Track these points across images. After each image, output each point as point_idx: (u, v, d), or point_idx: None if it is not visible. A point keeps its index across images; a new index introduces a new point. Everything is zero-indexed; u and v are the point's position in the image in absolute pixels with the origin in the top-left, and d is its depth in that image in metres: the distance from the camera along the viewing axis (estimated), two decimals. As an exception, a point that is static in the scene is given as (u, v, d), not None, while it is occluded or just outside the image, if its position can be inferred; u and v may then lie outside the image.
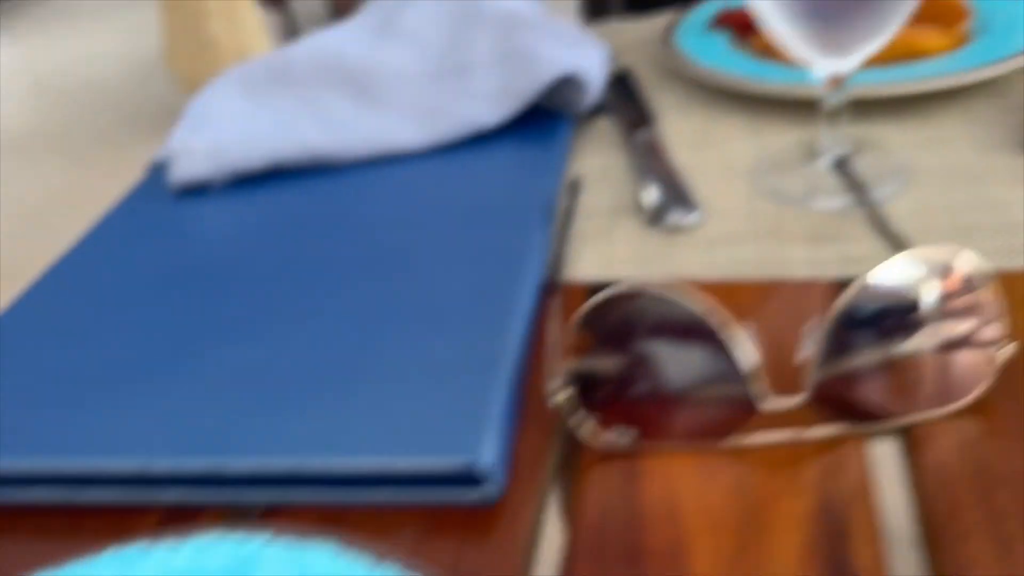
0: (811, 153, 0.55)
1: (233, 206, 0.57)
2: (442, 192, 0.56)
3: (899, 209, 0.50)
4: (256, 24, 2.79)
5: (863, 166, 0.53)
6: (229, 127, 0.61)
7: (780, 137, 0.59)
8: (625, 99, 0.67)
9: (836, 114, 0.52)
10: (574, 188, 0.55)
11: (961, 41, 0.63)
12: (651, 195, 0.53)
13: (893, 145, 0.57)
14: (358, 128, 0.60)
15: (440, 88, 0.61)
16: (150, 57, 3.68)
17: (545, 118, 0.62)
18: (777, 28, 0.48)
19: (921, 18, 0.64)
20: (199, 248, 0.52)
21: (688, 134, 0.62)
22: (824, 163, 0.53)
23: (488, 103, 0.60)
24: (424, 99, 0.61)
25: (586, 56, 0.61)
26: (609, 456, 0.36)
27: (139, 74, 3.71)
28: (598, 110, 0.65)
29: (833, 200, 0.51)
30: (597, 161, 0.60)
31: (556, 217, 0.53)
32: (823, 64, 0.50)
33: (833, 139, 0.53)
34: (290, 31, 3.44)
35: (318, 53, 0.63)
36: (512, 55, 0.61)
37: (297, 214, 0.55)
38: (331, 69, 0.63)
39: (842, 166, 0.52)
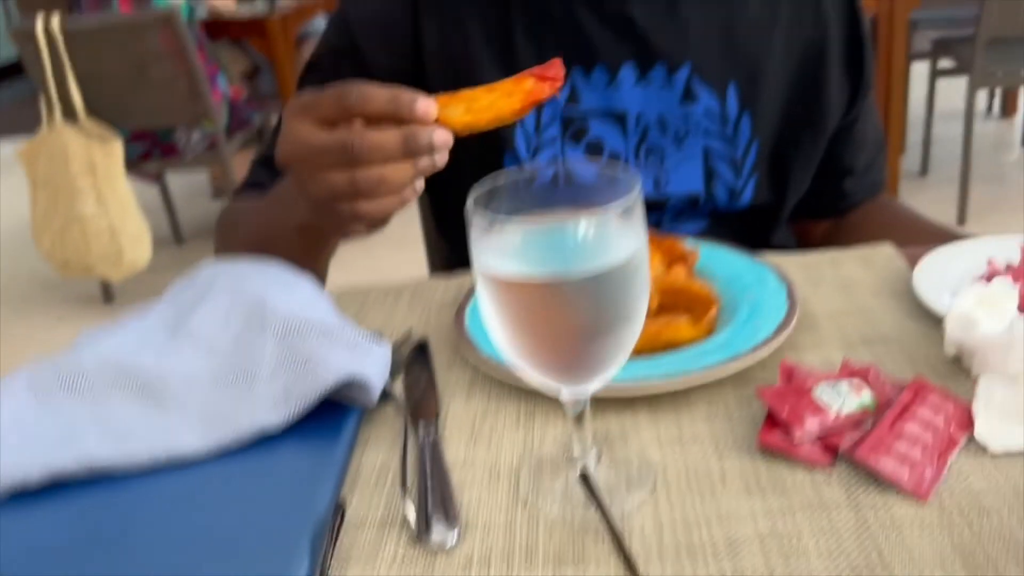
0: (569, 457, 0.59)
1: (7, 516, 0.57)
2: (218, 507, 0.57)
3: (641, 523, 0.54)
4: (128, 202, 2.79)
5: (610, 475, 0.58)
6: (8, 437, 0.61)
7: (549, 429, 0.64)
8: (416, 381, 0.71)
9: (582, 419, 0.57)
10: (341, 510, 0.57)
11: (711, 329, 0.70)
12: (413, 514, 0.55)
13: (646, 441, 0.61)
14: (144, 437, 0.61)
15: (227, 393, 0.63)
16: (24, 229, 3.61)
17: (333, 410, 0.65)
18: (519, 368, 0.53)
19: (673, 308, 0.71)
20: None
21: (467, 424, 0.65)
22: (575, 474, 0.57)
23: (272, 407, 0.63)
24: (211, 405, 0.63)
25: (368, 357, 0.65)
26: None
27: (13, 245, 3.62)
28: (386, 397, 0.68)
29: (579, 514, 0.55)
30: (378, 458, 0.63)
31: (324, 537, 0.54)
32: (565, 391, 0.54)
33: (582, 446, 0.58)
34: (167, 207, 3.45)
35: (110, 357, 0.65)
36: (295, 360, 0.64)
37: (70, 531, 0.55)
38: (121, 374, 0.64)
39: (586, 480, 0.56)
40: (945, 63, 3.15)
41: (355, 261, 2.53)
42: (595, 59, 0.88)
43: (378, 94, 0.61)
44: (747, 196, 0.93)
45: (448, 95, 0.63)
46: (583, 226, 0.48)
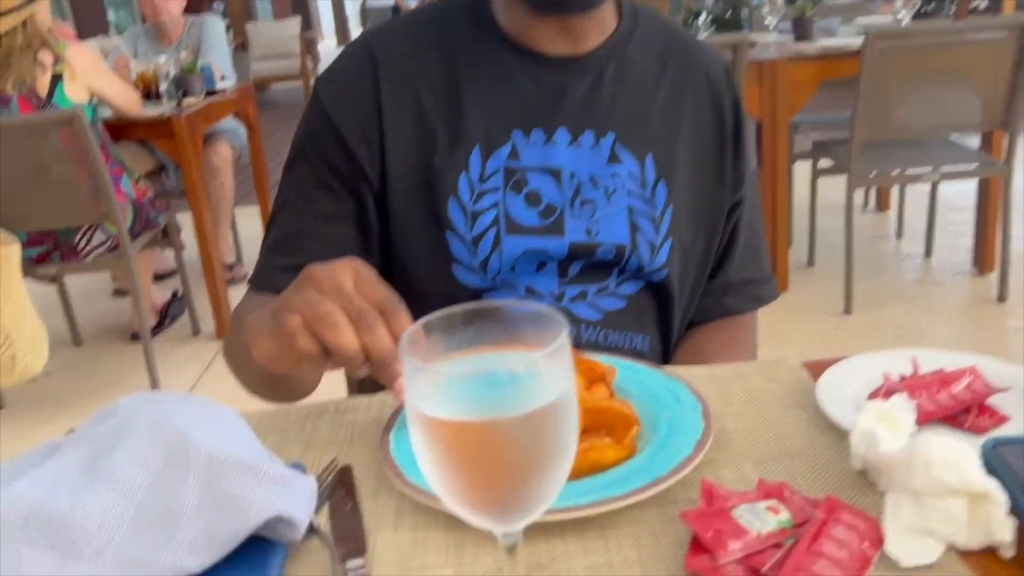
0: (501, 590, 0.60)
1: None
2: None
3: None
4: (24, 307, 2.68)
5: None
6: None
7: (480, 559, 0.64)
8: (341, 511, 0.70)
9: (514, 551, 0.57)
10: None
11: (632, 448, 0.72)
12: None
13: (577, 568, 0.62)
14: (55, 588, 0.58)
15: (145, 537, 0.61)
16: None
17: (257, 547, 0.64)
18: (453, 509, 0.54)
19: (596, 428, 0.73)
20: None
21: (395, 559, 0.65)
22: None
23: (195, 549, 0.61)
24: (129, 550, 0.61)
25: (293, 492, 0.64)
26: None
27: None
28: (311, 530, 0.67)
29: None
30: (306, 599, 0.61)
31: None
32: (498, 527, 0.55)
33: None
34: (64, 308, 3.32)
35: (19, 503, 0.62)
36: (219, 499, 0.62)
37: None
38: (33, 522, 0.61)
39: (522, 615, 0.56)
40: (825, 162, 3.38)
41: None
42: (534, 123, 0.99)
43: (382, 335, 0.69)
44: (663, 256, 1.02)
45: None
46: (517, 365, 0.49)
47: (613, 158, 1.01)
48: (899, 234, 3.80)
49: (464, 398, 0.50)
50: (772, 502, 0.64)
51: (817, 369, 0.87)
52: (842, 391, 0.79)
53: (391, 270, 1.03)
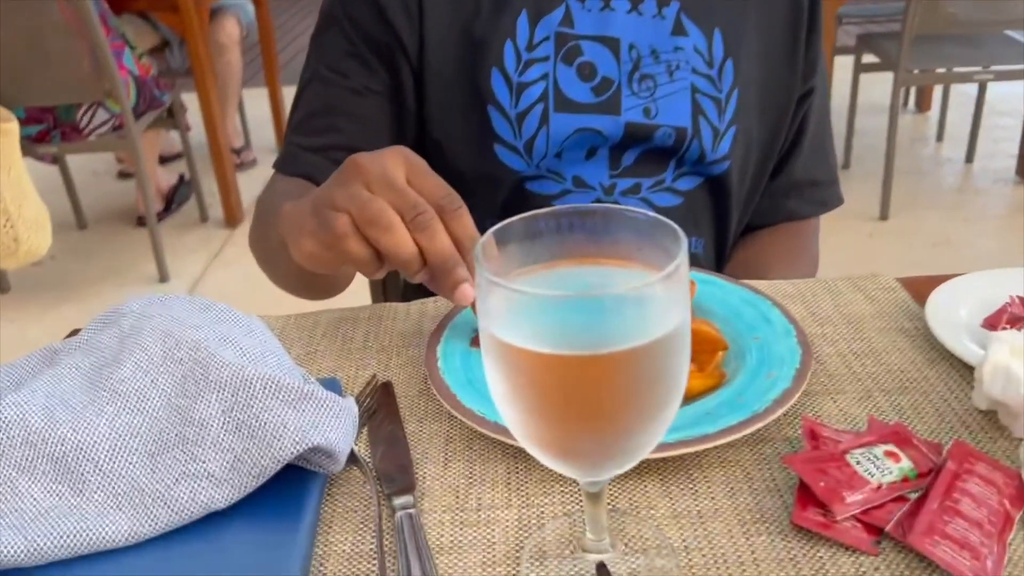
0: (578, 543, 0.51)
1: None
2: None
3: (667, 626, 0.46)
4: (25, 186, 2.56)
5: (628, 564, 0.50)
6: None
7: (548, 500, 0.55)
8: (382, 438, 0.61)
9: (598, 499, 0.48)
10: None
11: (719, 376, 0.62)
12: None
13: (661, 517, 0.53)
14: (59, 524, 0.50)
15: (162, 467, 0.53)
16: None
17: (291, 479, 0.55)
18: (538, 456, 0.44)
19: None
20: None
21: (449, 496, 0.56)
22: (587, 564, 0.49)
23: (219, 482, 0.52)
24: (142, 482, 0.52)
25: (331, 418, 0.55)
26: None
27: None
28: (352, 460, 0.58)
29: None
30: (347, 541, 0.53)
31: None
32: (586, 477, 0.46)
33: (596, 530, 0.49)
34: (67, 189, 3.20)
35: (17, 423, 0.53)
36: (245, 425, 0.53)
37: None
38: (29, 448, 0.53)
39: (606, 573, 0.48)
40: (868, 58, 3.18)
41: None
42: None
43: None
44: (726, 145, 0.91)
45: None
46: (622, 287, 0.39)
47: (678, 30, 0.89)
48: (939, 137, 3.62)
49: (559, 326, 0.40)
50: (889, 446, 0.55)
51: (914, 287, 0.76)
52: (953, 315, 0.69)
53: (426, 153, 0.91)
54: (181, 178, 3.37)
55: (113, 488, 0.52)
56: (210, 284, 2.77)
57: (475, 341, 0.68)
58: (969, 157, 3.38)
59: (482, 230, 0.92)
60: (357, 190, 0.60)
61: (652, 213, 0.44)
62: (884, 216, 2.93)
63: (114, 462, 0.53)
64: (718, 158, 0.91)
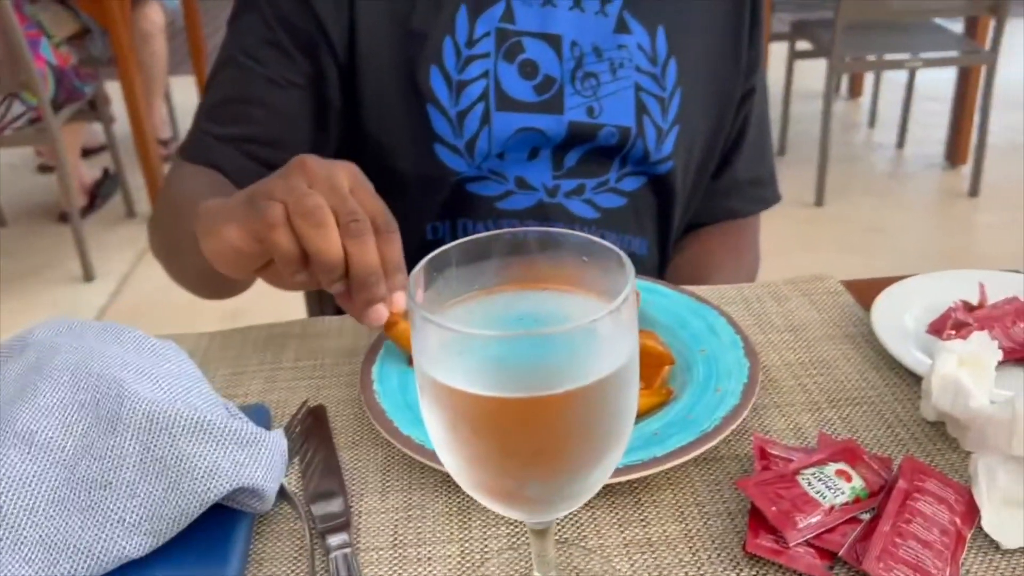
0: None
1: None
2: None
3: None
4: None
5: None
6: None
7: (491, 533, 0.52)
8: (315, 469, 0.58)
9: (545, 534, 0.46)
10: None
11: (668, 395, 0.60)
12: None
13: (610, 547, 0.51)
14: (-47, 582, 0.46)
15: (73, 514, 0.48)
16: None
17: (217, 519, 0.51)
18: (480, 500, 0.42)
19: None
20: None
21: (387, 532, 0.53)
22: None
23: (134, 531, 0.48)
24: (51, 531, 0.48)
25: (260, 455, 0.51)
26: None
27: None
28: (282, 496, 0.55)
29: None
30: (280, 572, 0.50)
31: None
32: (532, 519, 0.43)
33: (543, 566, 0.47)
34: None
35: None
36: (165, 468, 0.49)
37: None
38: (-83, 495, 0.48)
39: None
40: (802, 45, 3.22)
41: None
42: None
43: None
44: (669, 144, 0.89)
45: None
46: (572, 329, 0.36)
47: (621, 27, 0.87)
48: (871, 123, 3.69)
49: (501, 365, 0.38)
50: (840, 464, 0.54)
51: (858, 289, 0.76)
52: (899, 321, 0.69)
53: (363, 152, 0.87)
54: (106, 172, 3.24)
55: (18, 538, 0.48)
56: (138, 282, 2.67)
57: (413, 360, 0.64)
58: (900, 143, 3.45)
59: (421, 233, 0.90)
60: (298, 183, 0.57)
61: (595, 238, 0.41)
62: (820, 202, 2.97)
63: (19, 510, 0.48)
64: (662, 157, 0.89)
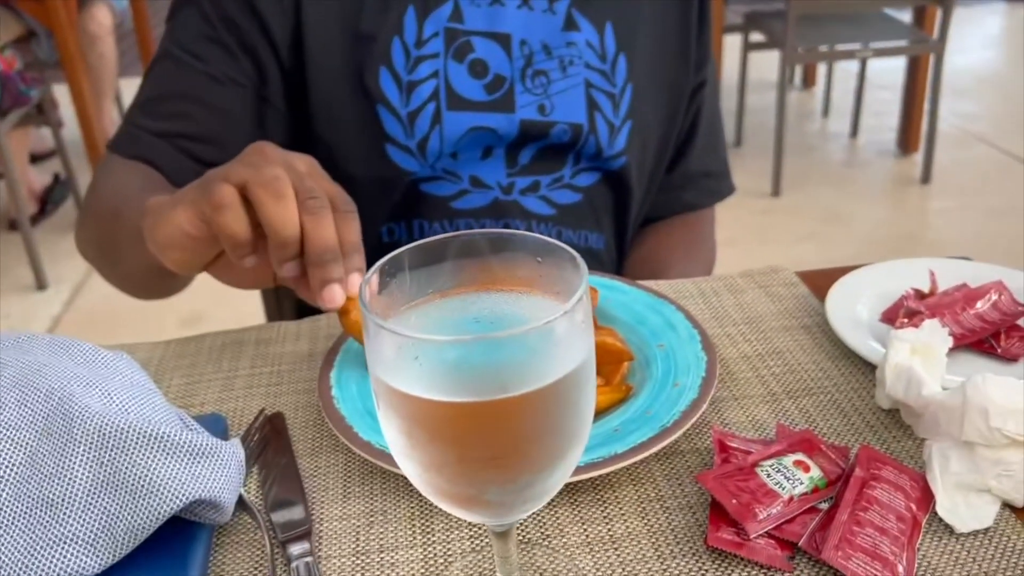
0: (486, 581, 0.48)
1: None
2: None
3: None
4: None
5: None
6: None
7: (455, 536, 0.52)
8: (274, 477, 0.57)
9: (507, 537, 0.46)
10: None
11: (627, 391, 0.61)
12: None
13: (573, 544, 0.51)
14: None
15: (23, 532, 0.47)
16: None
17: (174, 532, 0.50)
18: (439, 504, 0.41)
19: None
20: None
21: (349, 539, 0.52)
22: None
23: (88, 548, 0.47)
24: (2, 551, 0.47)
25: (216, 466, 0.50)
26: None
27: None
28: (241, 506, 0.54)
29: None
30: (240, 597, 0.49)
31: None
32: (493, 522, 0.43)
33: (505, 568, 0.47)
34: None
35: None
36: (118, 483, 0.48)
37: None
38: None
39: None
40: (756, 36, 3.25)
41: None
42: None
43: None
44: (622, 140, 0.90)
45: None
46: (526, 331, 0.36)
47: (569, 24, 0.87)
48: (825, 112, 3.74)
49: (457, 370, 0.37)
50: (799, 455, 0.54)
51: (812, 280, 0.77)
52: (852, 311, 0.69)
53: (314, 155, 0.86)
54: (56, 177, 3.17)
55: (-34, 563, 0.46)
56: (92, 290, 2.62)
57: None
58: (854, 131, 3.51)
59: (377, 236, 0.89)
60: (255, 160, 0.56)
61: (548, 238, 0.41)
62: (776, 192, 3.00)
63: (-35, 533, 0.47)
64: (615, 153, 0.90)
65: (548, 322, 0.36)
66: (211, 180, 0.56)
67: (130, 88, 3.66)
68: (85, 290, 2.63)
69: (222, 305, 2.34)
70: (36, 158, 3.44)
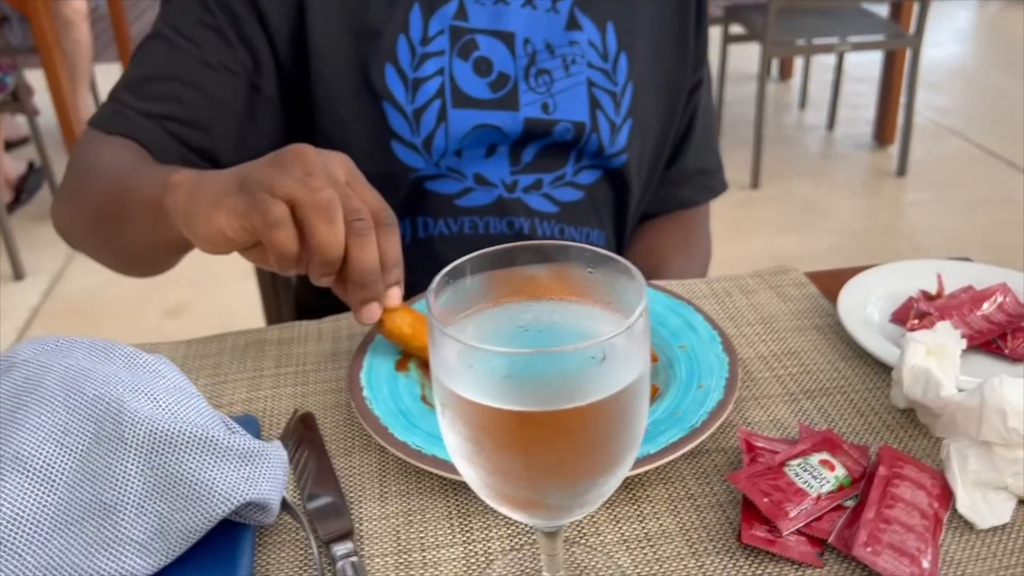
0: (530, 579, 0.50)
1: None
2: None
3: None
4: None
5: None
6: None
7: (494, 534, 0.53)
8: (310, 477, 0.58)
9: (555, 536, 0.47)
10: None
11: (653, 392, 0.62)
12: None
13: (610, 543, 0.53)
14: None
15: (76, 535, 0.48)
16: None
17: (220, 533, 0.51)
18: (497, 508, 0.43)
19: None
20: None
21: (389, 538, 0.54)
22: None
23: (143, 550, 0.48)
24: (55, 554, 0.47)
25: (263, 469, 0.51)
26: None
27: None
28: (283, 507, 0.55)
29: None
30: (287, 596, 0.50)
31: None
32: (547, 524, 0.45)
33: (553, 566, 0.48)
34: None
35: None
36: (170, 487, 0.49)
37: None
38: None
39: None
40: (735, 29, 3.28)
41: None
42: None
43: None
44: (623, 138, 0.91)
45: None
46: (591, 346, 0.37)
47: (572, 24, 0.88)
48: (802, 105, 3.78)
49: (522, 381, 0.39)
50: (823, 454, 0.56)
51: (821, 281, 0.79)
52: (863, 312, 0.72)
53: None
54: (31, 165, 3.12)
55: (22, 568, 0.47)
56: (72, 279, 2.59)
57: (400, 364, 0.65)
58: (831, 124, 3.55)
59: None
60: (302, 176, 0.57)
61: (602, 250, 0.42)
62: (755, 184, 3.04)
63: (20, 540, 0.47)
64: (616, 151, 0.91)
65: (611, 337, 0.37)
66: (254, 189, 0.57)
67: (104, 73, 3.62)
68: (64, 279, 2.60)
69: (208, 295, 2.32)
70: (10, 145, 3.38)
